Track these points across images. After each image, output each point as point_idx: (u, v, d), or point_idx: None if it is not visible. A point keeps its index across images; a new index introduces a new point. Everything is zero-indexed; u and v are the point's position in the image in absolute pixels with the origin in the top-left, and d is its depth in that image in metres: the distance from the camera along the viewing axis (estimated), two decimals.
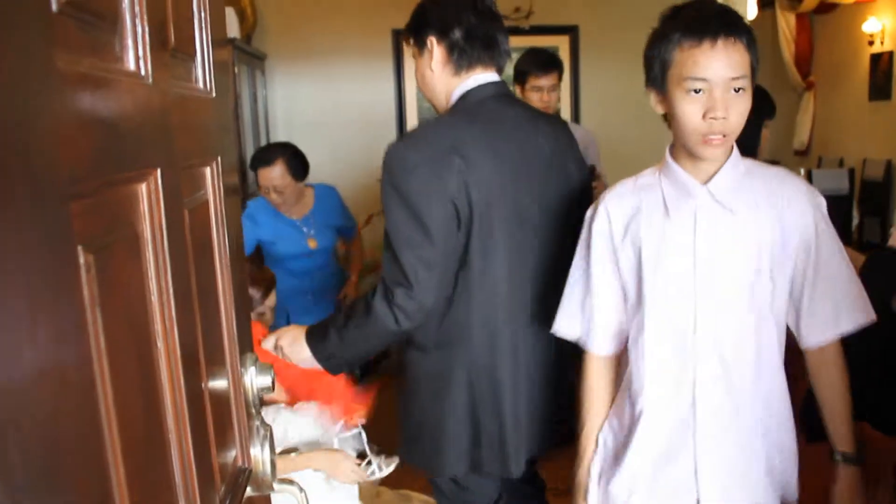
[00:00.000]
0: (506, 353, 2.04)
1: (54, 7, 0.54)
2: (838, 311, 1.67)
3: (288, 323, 3.73)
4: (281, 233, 3.70)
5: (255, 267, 2.89)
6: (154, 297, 0.73)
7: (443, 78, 2.05)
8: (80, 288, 0.54)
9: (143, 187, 0.71)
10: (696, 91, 1.54)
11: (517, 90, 3.76)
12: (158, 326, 0.74)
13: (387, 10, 5.69)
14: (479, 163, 1.92)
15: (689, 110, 1.56)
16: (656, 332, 1.69)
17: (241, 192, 1.94)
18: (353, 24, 5.70)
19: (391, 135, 5.84)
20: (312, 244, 3.74)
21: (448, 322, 2.00)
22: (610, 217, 1.75)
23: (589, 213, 1.81)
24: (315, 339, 2.06)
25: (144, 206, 0.71)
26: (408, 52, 5.77)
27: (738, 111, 1.56)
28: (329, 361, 2.07)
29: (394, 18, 5.71)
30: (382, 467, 2.44)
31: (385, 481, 2.56)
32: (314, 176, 3.87)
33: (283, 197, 3.59)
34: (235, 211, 1.18)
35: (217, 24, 1.08)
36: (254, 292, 2.62)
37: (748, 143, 2.62)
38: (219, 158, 1.04)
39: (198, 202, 0.94)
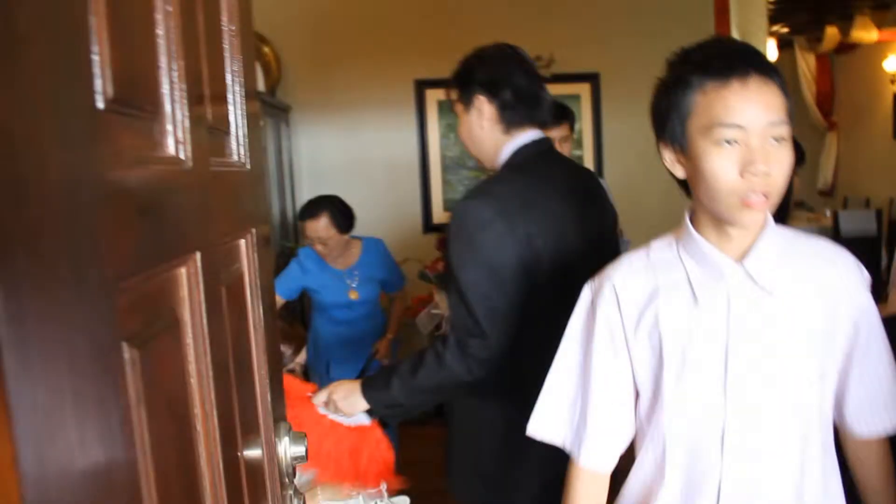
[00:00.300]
0: None
1: (100, 105, 0.54)
2: (892, 400, 1.45)
3: (328, 371, 3.83)
4: (325, 282, 3.84)
5: (286, 323, 2.92)
6: (194, 381, 0.73)
7: (492, 135, 2.11)
8: (126, 386, 0.54)
9: (183, 271, 0.71)
10: (729, 142, 1.27)
11: None
12: (198, 410, 0.73)
13: (409, 60, 5.75)
14: (542, 216, 2.00)
15: (722, 166, 1.28)
16: (677, 442, 1.42)
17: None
18: (376, 75, 5.76)
19: (414, 184, 5.87)
20: (353, 296, 3.86)
21: (512, 369, 2.02)
22: (619, 300, 1.46)
23: (589, 289, 1.55)
24: (374, 389, 2.09)
25: (185, 290, 0.71)
26: (431, 101, 5.83)
27: (781, 166, 1.28)
28: (391, 410, 2.12)
29: (416, 69, 5.78)
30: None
31: None
32: None
33: (328, 248, 3.74)
34: (268, 278, 1.18)
35: (251, 96, 1.09)
36: (285, 349, 2.63)
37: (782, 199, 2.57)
38: (253, 230, 1.04)
39: (233, 276, 0.94)
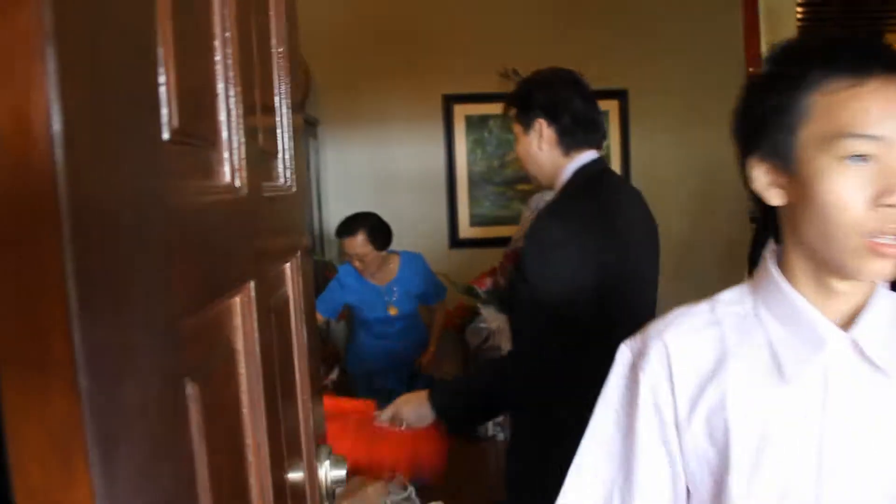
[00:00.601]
0: None
1: (166, 136, 0.53)
2: None
3: (370, 383, 3.88)
4: (365, 297, 3.90)
5: (322, 343, 2.93)
6: (246, 410, 0.72)
7: (551, 157, 2.18)
8: (189, 422, 0.53)
9: (237, 301, 0.70)
10: (861, 158, 0.96)
11: None
12: (250, 440, 0.72)
13: (437, 75, 5.75)
14: (610, 234, 2.09)
15: (847, 191, 0.96)
16: None
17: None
18: (404, 89, 5.76)
19: (441, 198, 5.86)
20: (393, 311, 3.91)
21: (579, 380, 2.07)
22: (672, 369, 1.13)
23: (629, 350, 1.22)
24: (444, 399, 2.16)
25: (239, 320, 0.70)
26: (459, 116, 5.83)
27: None
28: (460, 420, 2.26)
29: (444, 84, 5.78)
30: None
31: None
32: None
33: (365, 264, 3.78)
34: (310, 300, 1.17)
35: (296, 110, 1.08)
36: None
37: None
38: (298, 253, 1.03)
39: (280, 300, 0.93)
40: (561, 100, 2.17)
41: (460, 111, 5.82)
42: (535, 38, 5.69)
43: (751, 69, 5.73)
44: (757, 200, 1.16)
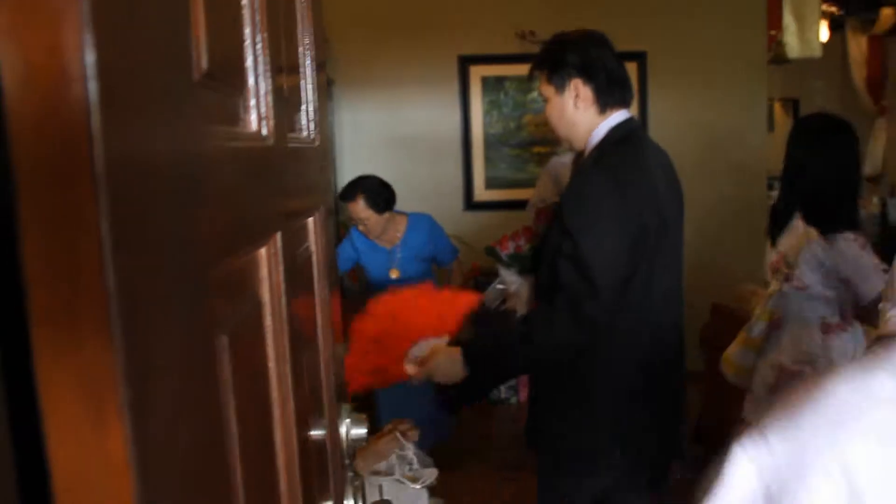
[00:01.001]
0: (669, 355, 2.28)
1: (195, 78, 0.52)
2: None
3: None
4: (371, 258, 3.93)
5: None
6: (272, 364, 0.71)
7: (587, 116, 2.24)
8: (218, 374, 0.52)
9: (263, 252, 0.68)
10: None
11: None
12: (276, 393, 0.71)
13: (453, 36, 5.70)
14: (650, 186, 2.16)
15: None
16: None
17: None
18: (420, 50, 5.72)
19: (456, 159, 5.83)
20: (394, 274, 3.90)
21: (621, 332, 2.17)
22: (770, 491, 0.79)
23: (753, 466, 0.81)
24: (479, 360, 2.22)
25: (265, 271, 0.69)
26: (475, 77, 5.77)
27: None
28: (492, 380, 2.42)
29: (460, 45, 5.72)
30: (415, 464, 2.44)
31: None
32: None
33: (368, 228, 3.76)
34: (331, 255, 1.16)
35: (319, 69, 1.06)
36: None
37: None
38: (321, 207, 1.02)
39: (304, 256, 0.92)
40: (595, 58, 2.22)
41: (476, 72, 5.77)
42: (553, 0, 5.62)
43: (772, 31, 5.65)
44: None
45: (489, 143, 5.84)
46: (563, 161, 4.22)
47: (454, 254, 4.15)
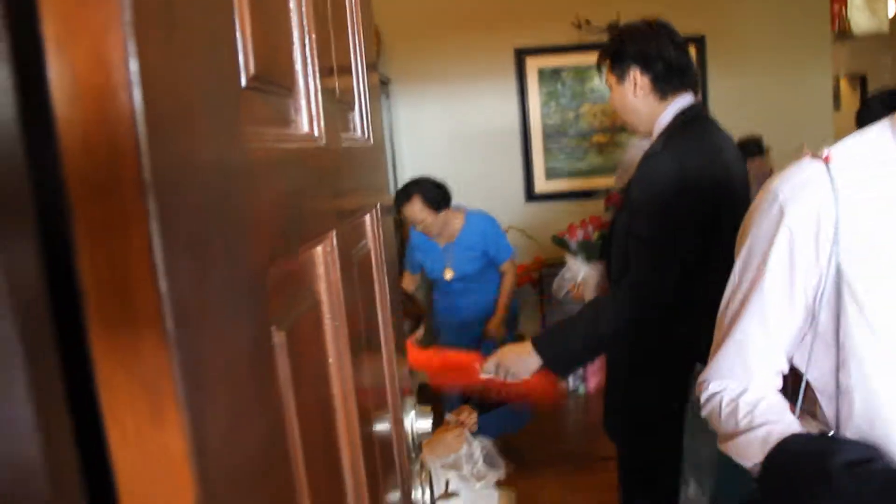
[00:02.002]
0: None
1: (243, 83, 0.53)
2: None
3: (436, 337, 3.98)
4: (430, 256, 3.95)
5: (408, 300, 2.97)
6: (332, 360, 0.71)
7: (647, 103, 2.31)
8: (277, 371, 0.53)
9: (320, 250, 0.69)
10: None
11: None
12: (336, 390, 0.72)
13: (509, 28, 5.68)
14: (717, 167, 2.19)
15: None
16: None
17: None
18: (476, 45, 5.71)
19: (516, 153, 5.82)
20: (448, 274, 3.92)
21: (681, 317, 2.21)
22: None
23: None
24: (549, 345, 2.29)
25: (322, 269, 0.70)
26: (531, 69, 5.76)
27: None
28: (567, 364, 2.36)
29: (515, 37, 5.70)
30: (480, 464, 2.45)
31: None
32: None
33: (427, 227, 3.79)
34: (391, 251, 1.17)
35: (371, 68, 1.07)
36: (404, 325, 2.67)
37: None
38: (378, 205, 1.03)
39: (362, 253, 0.93)
40: (652, 48, 2.28)
41: (533, 64, 5.75)
42: None
43: (836, 5, 5.51)
44: None
45: (548, 134, 5.81)
46: (643, 145, 4.22)
47: (509, 254, 4.15)
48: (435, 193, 3.79)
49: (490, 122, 5.81)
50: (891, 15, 5.54)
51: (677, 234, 2.13)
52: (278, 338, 0.54)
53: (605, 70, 2.40)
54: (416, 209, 3.75)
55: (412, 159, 5.70)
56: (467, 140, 5.81)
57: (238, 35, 0.52)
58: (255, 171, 0.53)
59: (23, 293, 0.33)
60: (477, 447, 2.49)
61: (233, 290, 0.46)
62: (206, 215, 0.43)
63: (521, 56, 5.73)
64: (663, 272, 2.14)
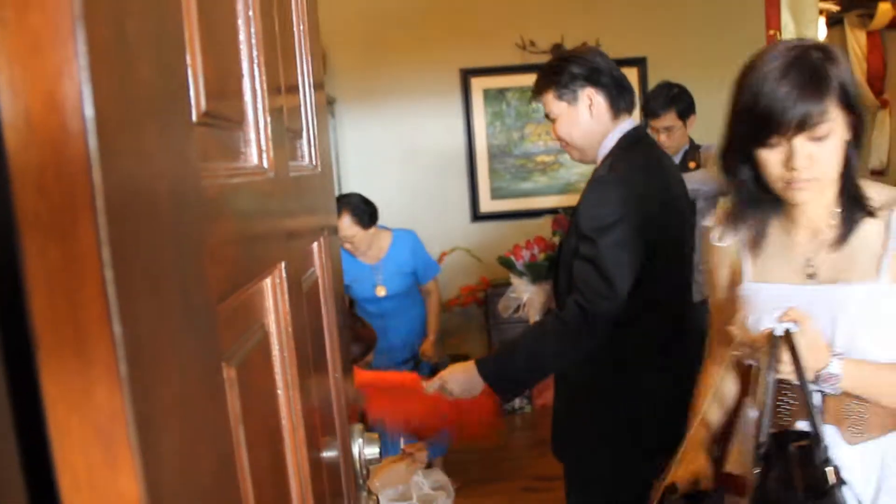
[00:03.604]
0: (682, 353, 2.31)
1: (194, 118, 0.53)
2: None
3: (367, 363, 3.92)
4: (356, 276, 3.87)
5: (361, 324, 2.94)
6: (281, 392, 0.71)
7: (601, 124, 2.30)
8: (227, 407, 0.53)
9: (269, 282, 0.69)
10: None
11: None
12: (286, 421, 0.72)
13: (454, 49, 5.71)
14: (661, 191, 2.24)
15: None
16: None
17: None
18: (422, 65, 5.73)
19: (461, 172, 5.84)
20: (381, 291, 3.88)
21: (627, 334, 2.22)
22: None
23: None
24: (494, 366, 2.25)
25: (270, 301, 0.70)
26: (477, 89, 5.76)
27: None
28: (511, 385, 2.31)
29: (461, 57, 5.74)
30: (426, 489, 2.47)
31: None
32: (386, 216, 3.97)
33: (355, 244, 3.75)
34: (338, 279, 1.17)
35: (318, 88, 1.07)
36: (355, 349, 2.64)
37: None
38: (325, 233, 1.03)
39: (310, 281, 0.93)
40: (600, 65, 2.28)
41: (478, 84, 5.79)
42: (553, 8, 5.63)
43: (771, 31, 5.65)
44: None
45: (493, 154, 5.85)
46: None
47: (434, 272, 4.14)
48: (363, 209, 3.76)
49: (436, 143, 5.83)
50: (820, 38, 5.69)
51: (624, 256, 2.15)
52: (228, 373, 0.54)
53: (546, 99, 2.34)
54: (346, 224, 3.71)
55: (358, 179, 5.69)
56: (413, 160, 5.82)
57: (189, 72, 0.52)
58: (207, 207, 0.53)
59: None
60: (420, 475, 2.49)
61: (186, 328, 0.46)
62: (160, 255, 0.43)
63: (466, 76, 5.77)
64: (609, 294, 2.14)
